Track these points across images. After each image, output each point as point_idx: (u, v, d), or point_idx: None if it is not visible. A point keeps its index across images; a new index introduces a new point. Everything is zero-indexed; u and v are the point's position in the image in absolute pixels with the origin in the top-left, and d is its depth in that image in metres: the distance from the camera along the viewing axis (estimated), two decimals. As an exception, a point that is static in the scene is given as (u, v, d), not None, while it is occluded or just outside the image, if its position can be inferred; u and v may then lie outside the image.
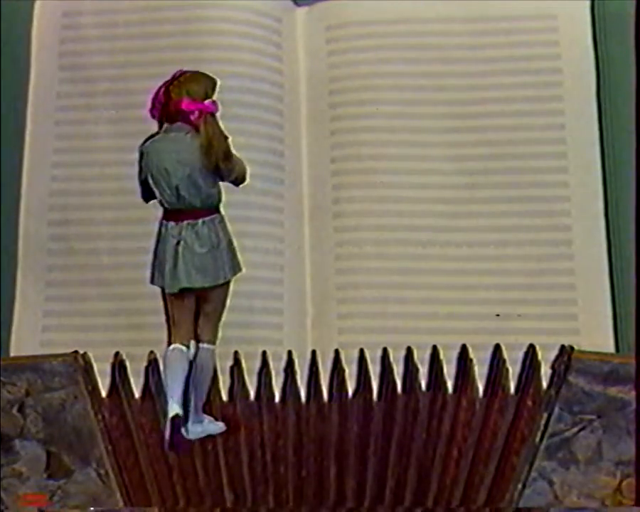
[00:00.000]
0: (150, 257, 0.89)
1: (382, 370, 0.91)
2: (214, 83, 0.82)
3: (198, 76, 0.81)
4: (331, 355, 0.92)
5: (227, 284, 0.83)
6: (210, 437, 0.88)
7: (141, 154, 0.82)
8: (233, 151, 0.81)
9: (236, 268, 0.84)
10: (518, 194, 0.94)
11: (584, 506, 0.83)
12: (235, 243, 0.83)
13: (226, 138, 0.80)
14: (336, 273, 0.95)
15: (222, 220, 0.83)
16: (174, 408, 0.80)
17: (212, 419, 0.88)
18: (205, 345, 0.84)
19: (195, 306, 0.83)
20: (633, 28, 0.95)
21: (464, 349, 0.90)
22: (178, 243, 0.81)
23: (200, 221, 0.81)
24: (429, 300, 0.93)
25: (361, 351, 0.92)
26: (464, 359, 0.90)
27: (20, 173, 0.97)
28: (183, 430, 0.82)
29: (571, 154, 0.95)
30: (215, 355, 0.84)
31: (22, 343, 0.93)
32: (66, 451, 0.87)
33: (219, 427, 0.88)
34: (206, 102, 0.80)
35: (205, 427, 0.86)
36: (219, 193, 0.82)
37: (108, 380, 0.90)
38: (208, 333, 0.84)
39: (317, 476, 0.88)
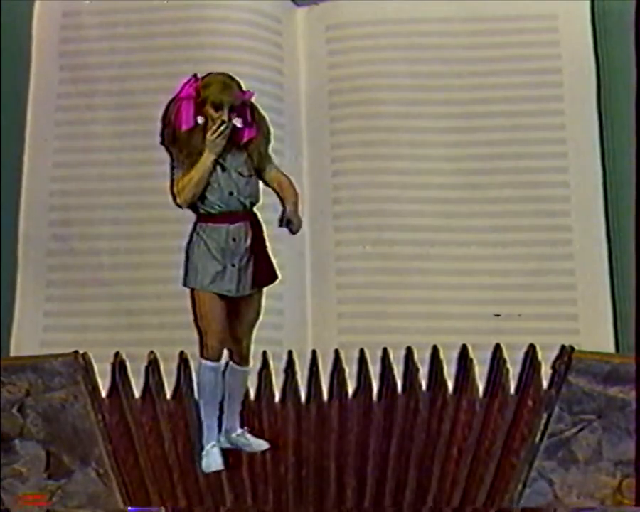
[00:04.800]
0: (149, 257, 0.89)
1: (382, 370, 0.91)
2: None
3: None
4: (331, 355, 0.92)
5: None
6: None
7: None
8: None
9: None
10: (518, 194, 0.94)
11: (584, 506, 0.83)
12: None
13: None
14: (336, 273, 0.95)
15: None
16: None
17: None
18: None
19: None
20: (633, 28, 0.95)
21: (464, 349, 0.90)
22: None
23: None
24: (429, 300, 0.93)
25: (361, 351, 0.92)
26: (464, 359, 0.90)
27: (21, 174, 0.97)
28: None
29: (571, 154, 0.95)
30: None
31: (22, 343, 0.93)
32: (66, 451, 0.87)
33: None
34: None
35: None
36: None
37: (108, 380, 0.90)
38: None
39: (317, 476, 0.88)
